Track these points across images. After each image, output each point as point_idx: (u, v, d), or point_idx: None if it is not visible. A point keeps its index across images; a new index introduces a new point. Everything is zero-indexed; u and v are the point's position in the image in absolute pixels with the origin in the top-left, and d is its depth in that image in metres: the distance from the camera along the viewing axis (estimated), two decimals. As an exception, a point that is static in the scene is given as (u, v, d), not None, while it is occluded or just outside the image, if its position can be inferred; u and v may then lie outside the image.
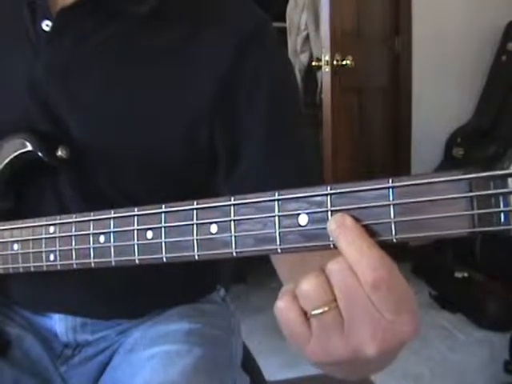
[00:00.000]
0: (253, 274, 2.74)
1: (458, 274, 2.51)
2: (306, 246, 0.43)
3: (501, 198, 0.35)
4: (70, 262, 0.60)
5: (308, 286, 0.41)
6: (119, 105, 0.71)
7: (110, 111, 0.71)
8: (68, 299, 0.81)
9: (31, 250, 0.64)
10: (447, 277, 2.57)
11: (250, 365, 0.92)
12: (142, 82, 0.71)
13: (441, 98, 2.96)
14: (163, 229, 0.50)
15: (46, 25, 0.71)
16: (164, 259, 0.50)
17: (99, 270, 0.59)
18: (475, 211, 0.36)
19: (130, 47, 0.72)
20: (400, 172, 2.84)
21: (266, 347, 2.07)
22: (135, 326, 0.83)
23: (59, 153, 0.70)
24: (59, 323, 0.82)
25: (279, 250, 0.44)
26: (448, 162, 2.89)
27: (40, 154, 0.70)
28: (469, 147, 2.84)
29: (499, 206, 0.35)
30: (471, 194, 0.36)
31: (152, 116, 0.71)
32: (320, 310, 0.40)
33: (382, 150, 2.95)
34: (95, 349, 0.84)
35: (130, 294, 0.81)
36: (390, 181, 0.39)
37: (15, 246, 0.66)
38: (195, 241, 0.48)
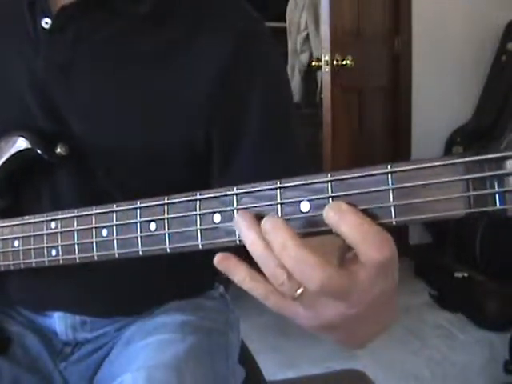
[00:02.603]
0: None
1: (458, 274, 2.51)
2: (308, 232, 0.43)
3: (495, 180, 0.37)
4: (73, 256, 0.60)
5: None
6: (118, 102, 0.72)
7: (110, 109, 0.72)
8: (67, 298, 0.81)
9: (32, 246, 0.65)
10: (447, 277, 2.56)
11: (247, 361, 0.92)
12: (141, 80, 0.72)
13: (441, 98, 2.96)
14: (166, 220, 0.51)
15: (46, 22, 0.71)
16: (168, 250, 0.51)
17: (98, 268, 0.59)
18: (471, 193, 0.37)
19: (129, 46, 0.72)
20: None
21: (266, 347, 2.07)
22: (133, 321, 0.84)
23: (58, 150, 0.70)
24: (59, 322, 0.83)
25: None
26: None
27: (39, 151, 0.70)
28: (468, 147, 2.84)
29: (494, 188, 0.37)
30: (467, 176, 0.38)
31: (151, 113, 0.72)
32: (300, 291, 0.42)
33: (381, 149, 2.96)
34: (94, 345, 0.84)
35: (128, 291, 0.81)
36: (389, 166, 0.41)
37: (16, 243, 0.66)
38: (199, 231, 0.49)
